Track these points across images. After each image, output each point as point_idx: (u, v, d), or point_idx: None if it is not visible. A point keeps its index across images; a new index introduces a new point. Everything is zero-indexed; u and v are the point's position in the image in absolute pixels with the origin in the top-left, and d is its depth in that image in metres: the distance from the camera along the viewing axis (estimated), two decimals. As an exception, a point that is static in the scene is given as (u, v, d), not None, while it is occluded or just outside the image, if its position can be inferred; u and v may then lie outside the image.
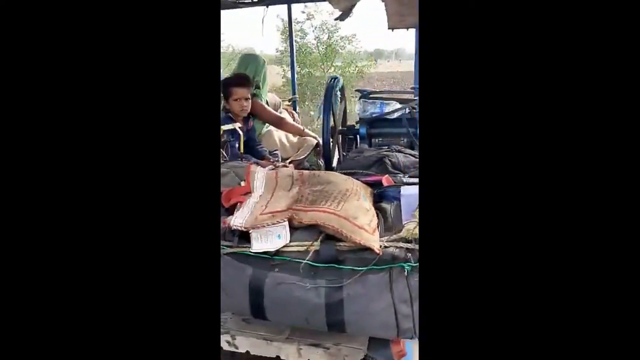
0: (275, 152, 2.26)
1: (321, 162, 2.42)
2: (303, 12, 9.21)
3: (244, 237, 1.17)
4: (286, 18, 8.74)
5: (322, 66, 9.51)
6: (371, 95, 2.15)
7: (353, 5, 2.35)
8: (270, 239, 1.13)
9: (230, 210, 1.27)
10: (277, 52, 10.18)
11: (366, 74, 10.34)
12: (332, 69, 9.69)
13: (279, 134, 2.42)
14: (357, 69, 9.67)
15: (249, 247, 1.14)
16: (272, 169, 1.48)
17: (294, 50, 2.97)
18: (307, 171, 1.37)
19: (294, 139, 2.45)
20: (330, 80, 2.05)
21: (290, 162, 2.19)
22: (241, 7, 2.63)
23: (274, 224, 1.12)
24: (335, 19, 2.38)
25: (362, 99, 2.14)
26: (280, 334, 1.25)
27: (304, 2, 2.84)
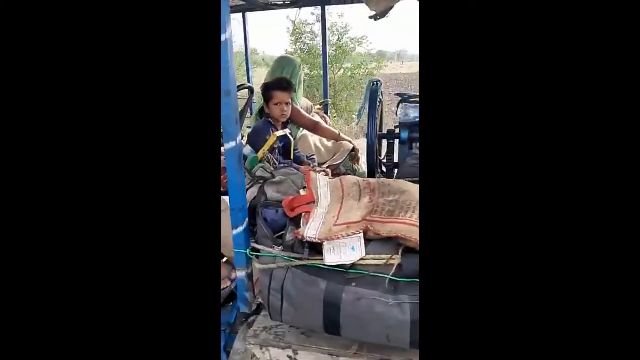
0: (312, 156, 2.21)
1: (357, 166, 2.37)
2: (312, 14, 9.17)
3: (313, 249, 1.13)
4: (296, 20, 8.76)
5: (332, 67, 9.46)
6: (412, 99, 2.10)
7: (391, 7, 2.31)
8: (343, 251, 1.08)
9: (295, 220, 1.22)
10: (286, 53, 10.14)
11: (374, 75, 10.29)
12: (342, 70, 9.64)
13: (313, 139, 2.37)
14: (367, 70, 9.61)
15: (321, 260, 1.09)
16: (326, 175, 1.44)
17: (327, 53, 2.91)
18: (373, 179, 1.31)
19: (329, 144, 2.40)
20: (373, 84, 2.00)
21: (327, 167, 2.14)
22: (274, 9, 2.58)
23: (348, 235, 1.07)
24: (370, 17, 2.34)
25: (403, 103, 2.09)
26: (346, 349, 1.20)
27: (338, 4, 2.78)
